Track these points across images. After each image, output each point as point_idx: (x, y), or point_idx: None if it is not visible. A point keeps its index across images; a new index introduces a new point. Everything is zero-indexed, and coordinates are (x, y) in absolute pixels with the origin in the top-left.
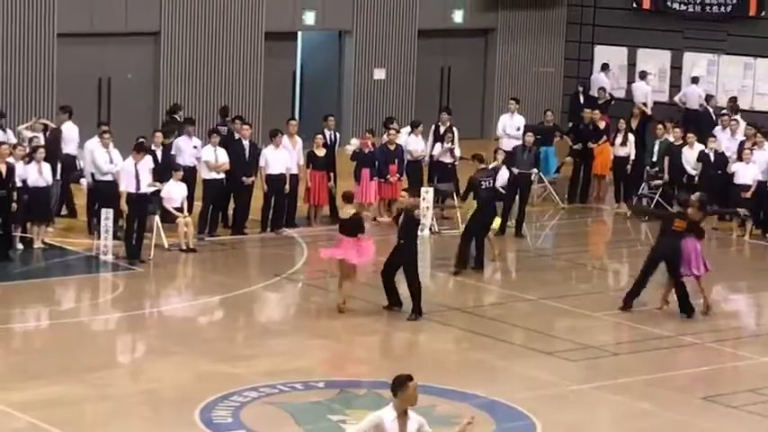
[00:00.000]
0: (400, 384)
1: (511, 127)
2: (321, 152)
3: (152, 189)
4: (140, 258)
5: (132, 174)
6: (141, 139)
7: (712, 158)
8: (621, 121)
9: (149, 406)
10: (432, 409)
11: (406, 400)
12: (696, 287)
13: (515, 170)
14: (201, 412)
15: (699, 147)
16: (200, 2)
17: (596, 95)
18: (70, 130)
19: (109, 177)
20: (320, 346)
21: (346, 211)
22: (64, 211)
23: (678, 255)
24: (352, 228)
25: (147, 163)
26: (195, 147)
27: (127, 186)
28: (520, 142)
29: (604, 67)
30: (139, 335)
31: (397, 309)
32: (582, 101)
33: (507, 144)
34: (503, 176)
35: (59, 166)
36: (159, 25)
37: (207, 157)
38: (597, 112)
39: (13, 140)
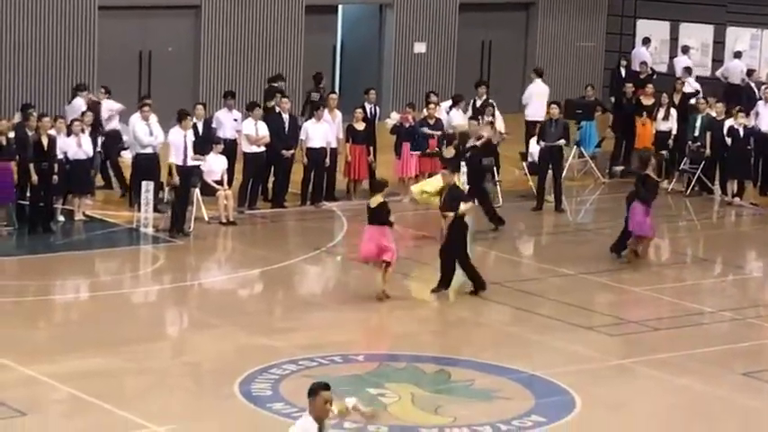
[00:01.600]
0: (311, 392)
1: (535, 93)
2: (361, 126)
3: (197, 162)
4: (185, 231)
5: (181, 145)
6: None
7: (741, 133)
8: (664, 95)
9: (189, 378)
10: (471, 383)
11: (316, 411)
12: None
13: (543, 143)
14: (241, 384)
15: (745, 121)
16: None
17: (638, 69)
18: (112, 106)
19: (149, 150)
20: (360, 319)
21: (375, 200)
22: (100, 182)
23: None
24: (378, 217)
25: (190, 135)
26: (235, 120)
27: (176, 158)
28: (540, 111)
29: (646, 41)
30: (179, 308)
31: (444, 290)
32: (623, 75)
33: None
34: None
35: (100, 139)
36: None
37: (247, 131)
38: (650, 86)
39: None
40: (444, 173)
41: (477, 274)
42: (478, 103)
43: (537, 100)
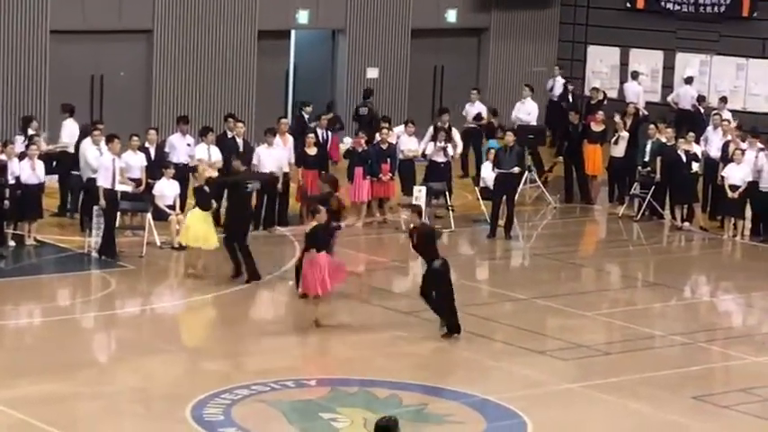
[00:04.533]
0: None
1: (523, 112)
2: (313, 151)
3: (125, 187)
4: (116, 254)
5: (110, 168)
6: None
7: (684, 159)
8: (618, 120)
9: (141, 403)
10: (423, 407)
11: None
12: None
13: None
14: (193, 410)
15: (697, 148)
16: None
17: (589, 95)
18: (70, 129)
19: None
20: (311, 344)
21: (309, 225)
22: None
23: None
24: (312, 242)
25: (120, 160)
26: (189, 144)
27: (104, 181)
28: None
29: (635, 76)
30: (131, 332)
31: (456, 336)
32: (571, 100)
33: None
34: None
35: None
36: (153, 23)
37: (200, 155)
38: (600, 113)
39: (43, 144)
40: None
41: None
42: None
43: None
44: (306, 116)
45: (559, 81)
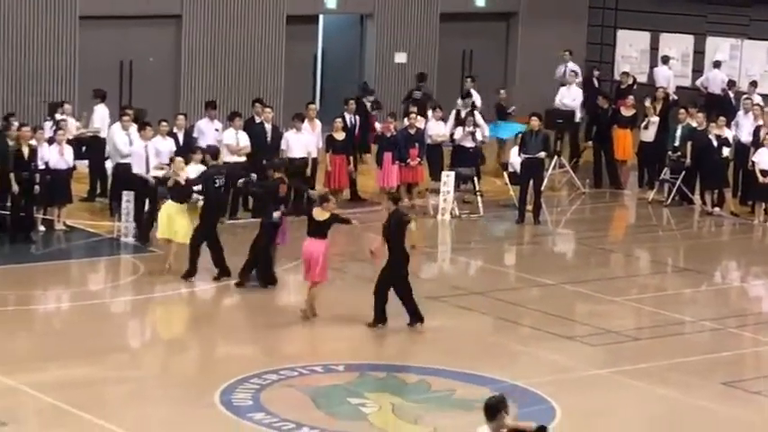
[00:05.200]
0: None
1: (568, 98)
2: (341, 136)
3: (159, 173)
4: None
5: (143, 155)
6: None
7: (715, 143)
8: (648, 105)
9: (169, 388)
10: (451, 393)
11: None
12: None
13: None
14: (222, 394)
15: (728, 133)
16: None
17: (618, 79)
18: (101, 114)
19: (129, 160)
20: (341, 329)
21: (320, 214)
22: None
23: None
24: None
25: (153, 145)
26: (217, 129)
27: (137, 168)
28: (578, 115)
29: (665, 60)
30: (160, 317)
31: (381, 326)
32: (597, 85)
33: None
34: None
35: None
36: (181, 8)
37: (228, 141)
38: (630, 97)
39: (73, 127)
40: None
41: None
42: (462, 113)
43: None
44: (368, 104)
45: (570, 66)
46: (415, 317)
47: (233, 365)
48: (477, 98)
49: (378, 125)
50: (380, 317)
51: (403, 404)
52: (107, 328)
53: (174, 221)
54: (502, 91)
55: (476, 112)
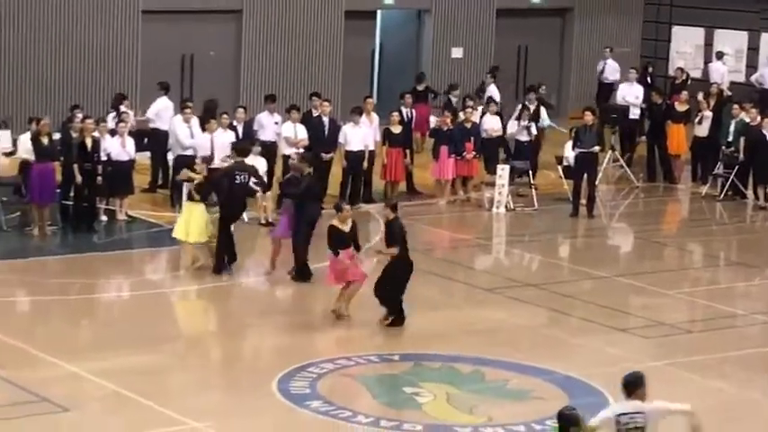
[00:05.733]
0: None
1: (631, 95)
2: (397, 129)
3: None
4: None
5: (208, 147)
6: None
7: None
8: (702, 100)
9: (228, 376)
10: (505, 383)
11: None
12: None
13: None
14: (279, 382)
15: None
16: None
17: (674, 75)
18: (163, 106)
19: (190, 152)
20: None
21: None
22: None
23: None
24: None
25: (218, 137)
26: (276, 123)
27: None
28: (638, 110)
29: (720, 56)
30: (219, 307)
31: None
32: (650, 81)
33: (630, 113)
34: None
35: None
36: (242, 3)
37: (287, 133)
38: (684, 93)
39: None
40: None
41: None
42: (531, 108)
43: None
44: (453, 99)
45: (610, 64)
46: (395, 316)
47: (291, 354)
48: (495, 92)
49: (434, 119)
50: (398, 314)
51: (458, 394)
52: (167, 317)
53: (192, 221)
54: (542, 87)
55: (541, 107)
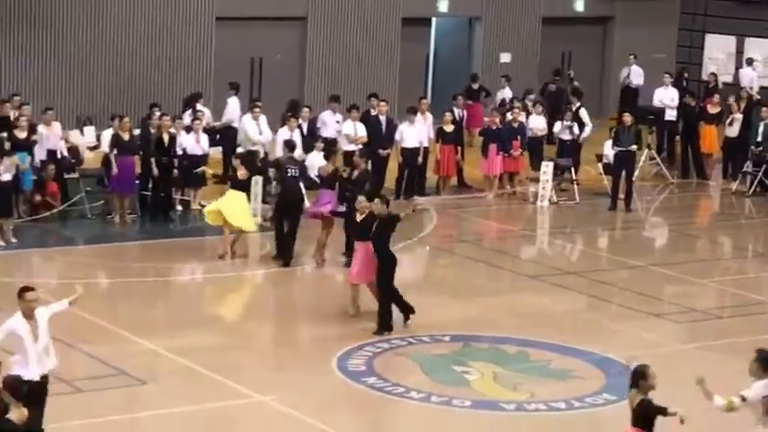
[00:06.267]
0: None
1: (667, 98)
2: (450, 128)
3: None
4: None
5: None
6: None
7: None
8: (733, 103)
9: (291, 354)
10: (548, 363)
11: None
12: None
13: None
14: (338, 360)
15: None
16: None
17: (706, 80)
18: (234, 105)
19: (258, 147)
20: (446, 303)
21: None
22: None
23: None
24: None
25: (296, 135)
26: (338, 121)
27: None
28: (675, 113)
29: (750, 62)
30: (284, 290)
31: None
32: (685, 85)
33: (667, 114)
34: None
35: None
36: (307, 10)
37: (347, 131)
38: (716, 96)
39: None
40: (376, 201)
41: (402, 301)
42: (574, 108)
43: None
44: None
45: (635, 69)
46: (383, 326)
47: (349, 334)
48: (509, 95)
49: (485, 118)
50: (406, 311)
51: (503, 372)
52: (236, 299)
53: (234, 209)
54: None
55: (582, 110)
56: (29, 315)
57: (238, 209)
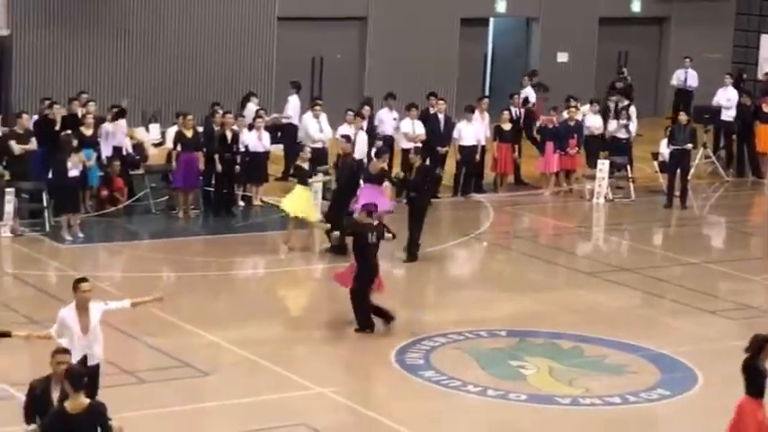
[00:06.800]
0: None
1: (724, 99)
2: (507, 126)
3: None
4: None
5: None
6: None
7: None
8: None
9: (350, 347)
10: (603, 358)
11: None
12: None
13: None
14: (396, 354)
15: None
16: None
17: (762, 80)
18: (294, 103)
19: (319, 145)
20: (503, 299)
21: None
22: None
23: None
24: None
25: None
26: (394, 119)
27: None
28: (733, 113)
29: None
30: (339, 285)
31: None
32: (742, 85)
33: (724, 114)
34: None
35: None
36: (367, 11)
37: (405, 129)
38: None
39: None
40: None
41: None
42: (620, 106)
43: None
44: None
45: (691, 73)
46: (362, 325)
47: (407, 328)
48: (531, 94)
49: (542, 117)
50: (386, 316)
51: (559, 367)
52: (296, 292)
53: (303, 202)
54: (623, 70)
55: (631, 107)
56: (83, 306)
57: (304, 202)
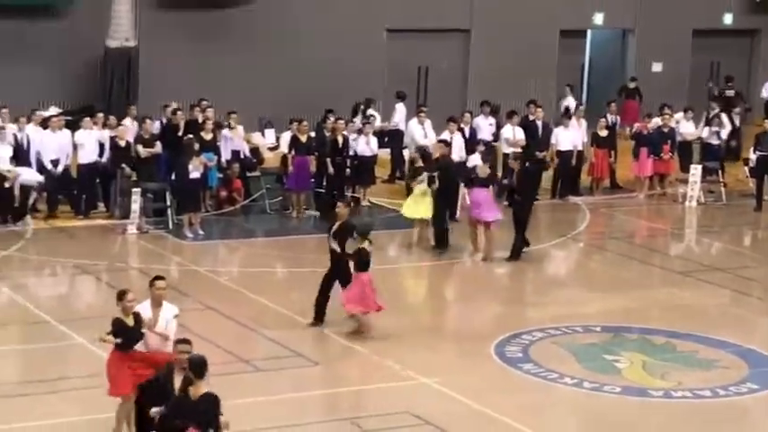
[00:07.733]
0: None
1: None
2: (604, 133)
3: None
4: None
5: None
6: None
7: None
8: None
9: (452, 340)
10: (694, 353)
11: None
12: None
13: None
14: (496, 347)
15: None
16: (505, 3)
17: None
18: (400, 111)
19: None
20: (598, 297)
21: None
22: None
23: None
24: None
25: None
26: (490, 124)
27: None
28: None
29: None
30: (443, 281)
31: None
32: None
33: None
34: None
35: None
36: (470, 23)
37: (506, 135)
38: None
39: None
40: (339, 205)
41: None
42: (711, 114)
43: None
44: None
45: None
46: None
47: (507, 323)
48: (572, 103)
49: (636, 124)
50: (319, 316)
51: (652, 362)
52: (401, 288)
53: (420, 202)
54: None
55: (722, 114)
56: (157, 303)
57: (420, 202)
